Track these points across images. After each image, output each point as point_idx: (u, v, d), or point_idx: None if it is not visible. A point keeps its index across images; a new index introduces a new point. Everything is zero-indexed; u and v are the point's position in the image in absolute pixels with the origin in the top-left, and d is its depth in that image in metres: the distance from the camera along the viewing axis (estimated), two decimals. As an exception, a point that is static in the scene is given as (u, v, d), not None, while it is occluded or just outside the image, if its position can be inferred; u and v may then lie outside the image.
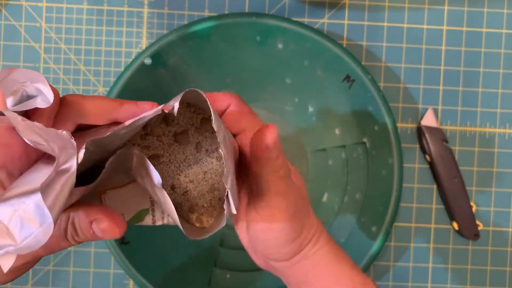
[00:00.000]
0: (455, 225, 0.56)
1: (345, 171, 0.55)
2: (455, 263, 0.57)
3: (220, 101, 0.38)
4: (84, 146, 0.28)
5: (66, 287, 0.56)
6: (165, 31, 0.56)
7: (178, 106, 0.30)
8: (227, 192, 0.31)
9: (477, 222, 0.56)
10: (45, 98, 0.30)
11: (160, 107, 0.31)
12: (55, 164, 0.27)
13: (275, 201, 0.35)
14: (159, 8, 0.56)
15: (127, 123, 0.32)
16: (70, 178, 0.27)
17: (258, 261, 0.40)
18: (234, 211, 0.31)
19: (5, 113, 0.28)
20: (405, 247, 0.56)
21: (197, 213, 0.36)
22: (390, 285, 0.56)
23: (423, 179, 0.57)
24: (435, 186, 0.57)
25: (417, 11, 0.56)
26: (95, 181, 0.31)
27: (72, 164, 0.27)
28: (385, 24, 0.56)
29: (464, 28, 0.57)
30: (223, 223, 0.32)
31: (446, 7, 0.56)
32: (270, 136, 0.33)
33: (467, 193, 0.56)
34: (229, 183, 0.30)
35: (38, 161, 0.32)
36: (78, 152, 0.27)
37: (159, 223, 0.36)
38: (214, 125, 0.30)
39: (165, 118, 0.35)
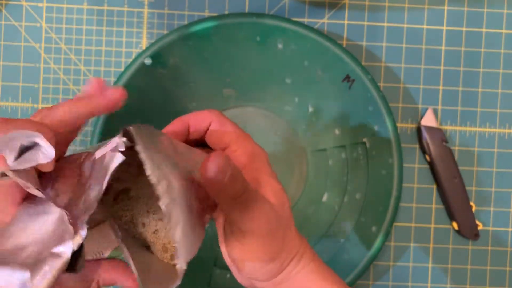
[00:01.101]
0: (455, 225, 0.56)
1: (345, 171, 0.55)
2: (455, 263, 0.57)
3: (201, 120, 0.38)
4: (84, 237, 0.27)
5: (66, 287, 0.56)
6: (165, 31, 0.56)
7: (123, 154, 0.28)
8: (176, 248, 0.28)
9: (477, 222, 0.56)
10: (45, 152, 0.29)
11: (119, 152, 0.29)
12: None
13: (243, 226, 0.34)
14: (159, 8, 0.56)
15: (97, 155, 0.30)
16: (61, 264, 0.26)
17: (242, 280, 0.40)
18: (184, 266, 0.28)
19: (8, 174, 0.28)
20: (405, 247, 0.56)
21: (171, 252, 0.34)
22: (390, 285, 0.56)
23: (423, 179, 0.57)
24: (435, 186, 0.57)
25: (417, 11, 0.56)
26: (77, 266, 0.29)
27: (67, 250, 0.26)
28: (385, 24, 0.56)
29: (464, 28, 0.57)
30: (178, 283, 0.29)
31: (446, 7, 0.56)
32: (213, 167, 0.31)
33: (467, 193, 0.56)
34: (178, 235, 0.27)
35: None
36: (73, 237, 0.27)
37: None
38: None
39: (131, 147, 0.30)
